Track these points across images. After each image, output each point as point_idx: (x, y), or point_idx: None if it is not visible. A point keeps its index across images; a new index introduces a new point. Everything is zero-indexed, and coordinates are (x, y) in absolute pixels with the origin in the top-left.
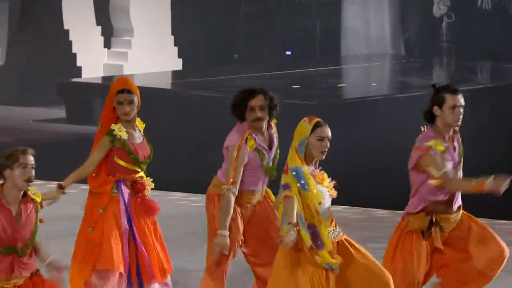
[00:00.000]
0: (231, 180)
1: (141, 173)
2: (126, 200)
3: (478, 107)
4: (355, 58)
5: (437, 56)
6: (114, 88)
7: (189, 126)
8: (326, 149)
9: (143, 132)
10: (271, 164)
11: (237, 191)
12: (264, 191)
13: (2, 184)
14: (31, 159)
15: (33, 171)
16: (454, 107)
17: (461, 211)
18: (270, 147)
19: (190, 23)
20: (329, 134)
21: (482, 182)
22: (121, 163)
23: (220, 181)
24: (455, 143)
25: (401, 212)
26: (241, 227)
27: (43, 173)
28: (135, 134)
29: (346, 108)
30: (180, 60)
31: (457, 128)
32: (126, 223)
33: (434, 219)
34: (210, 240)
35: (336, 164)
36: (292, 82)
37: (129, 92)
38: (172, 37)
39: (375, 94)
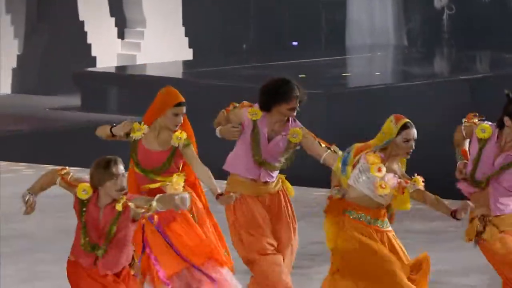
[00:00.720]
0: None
1: (159, 184)
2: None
3: (477, 96)
4: (359, 48)
5: (439, 46)
6: (167, 100)
7: (200, 115)
8: (411, 150)
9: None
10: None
11: None
12: (276, 184)
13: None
14: (121, 168)
15: (124, 180)
16: None
17: None
18: (269, 139)
19: (201, 14)
20: (416, 135)
21: None
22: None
23: (232, 174)
24: None
25: None
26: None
27: (58, 159)
28: (155, 141)
29: (350, 97)
30: (191, 50)
31: None
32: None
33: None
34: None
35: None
36: (299, 71)
37: (185, 104)
38: (183, 28)
39: (379, 83)
